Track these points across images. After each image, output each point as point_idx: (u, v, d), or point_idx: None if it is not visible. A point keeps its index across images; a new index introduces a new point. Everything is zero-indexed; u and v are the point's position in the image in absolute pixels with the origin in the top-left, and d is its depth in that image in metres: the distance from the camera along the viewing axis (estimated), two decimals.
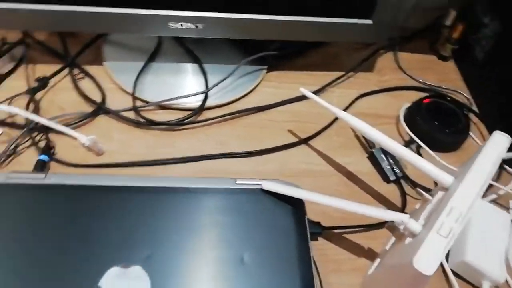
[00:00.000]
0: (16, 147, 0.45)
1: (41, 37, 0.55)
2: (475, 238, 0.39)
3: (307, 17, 0.48)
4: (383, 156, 0.49)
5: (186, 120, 0.50)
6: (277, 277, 0.34)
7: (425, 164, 0.37)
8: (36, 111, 0.48)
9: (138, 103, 0.51)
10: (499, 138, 0.35)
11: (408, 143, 0.51)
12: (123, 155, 0.47)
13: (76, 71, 0.53)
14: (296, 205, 0.39)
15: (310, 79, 0.57)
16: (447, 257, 0.41)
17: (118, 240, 0.34)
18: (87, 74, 0.53)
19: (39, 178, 0.37)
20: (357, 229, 0.43)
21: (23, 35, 0.54)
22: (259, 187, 0.39)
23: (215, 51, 0.57)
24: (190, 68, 0.55)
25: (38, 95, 0.50)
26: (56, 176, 0.38)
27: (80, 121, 0.48)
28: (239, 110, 0.52)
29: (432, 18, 0.64)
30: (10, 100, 0.49)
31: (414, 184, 0.47)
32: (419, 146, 0.50)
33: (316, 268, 0.38)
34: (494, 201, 0.46)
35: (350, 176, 0.48)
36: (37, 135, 0.46)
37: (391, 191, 0.47)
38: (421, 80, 0.59)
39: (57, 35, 0.56)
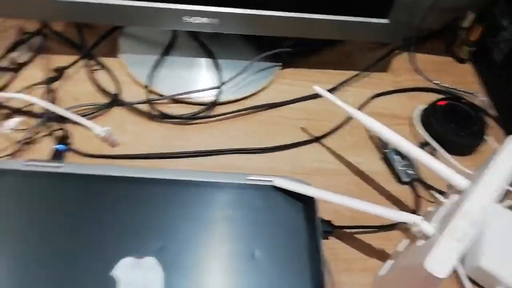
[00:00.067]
0: (33, 136, 0.46)
1: (58, 28, 0.56)
2: (491, 243, 0.39)
3: (323, 15, 0.48)
4: (396, 157, 0.48)
5: (199, 115, 0.50)
6: (288, 274, 0.34)
7: (439, 166, 0.37)
8: (53, 100, 0.49)
9: (152, 96, 0.51)
10: None
11: (422, 145, 0.51)
12: (136, 147, 0.47)
13: (92, 62, 0.53)
14: (307, 203, 0.38)
15: (324, 77, 0.57)
16: (461, 262, 0.41)
17: (131, 230, 0.35)
18: (102, 66, 0.53)
19: (56, 167, 0.38)
20: (369, 229, 0.43)
21: (42, 25, 0.55)
22: (270, 184, 0.39)
23: (230, 47, 0.57)
24: (204, 62, 0.55)
25: (55, 85, 0.51)
26: (73, 165, 0.38)
27: (95, 112, 0.49)
28: (252, 106, 0.52)
29: (449, 19, 0.63)
30: (28, 89, 0.49)
31: (427, 187, 0.47)
32: (433, 149, 0.50)
33: (327, 266, 0.38)
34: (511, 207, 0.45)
35: (362, 176, 0.48)
36: (54, 124, 0.47)
37: (403, 193, 0.47)
38: (436, 82, 0.59)
39: (74, 26, 0.56)
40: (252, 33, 0.49)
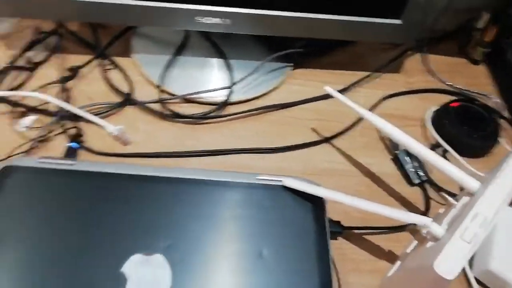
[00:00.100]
0: (47, 133, 0.47)
1: (74, 28, 0.57)
2: (502, 246, 0.38)
3: (335, 15, 0.48)
4: (407, 158, 0.48)
5: (210, 114, 0.51)
6: (295, 273, 0.34)
7: (451, 168, 0.37)
8: (67, 99, 0.50)
9: (164, 96, 0.52)
10: None
11: (434, 147, 0.50)
12: (148, 146, 0.47)
13: (105, 62, 0.54)
14: (317, 203, 0.38)
15: (335, 78, 0.57)
16: (471, 264, 0.40)
17: (141, 227, 0.35)
18: (116, 66, 0.54)
19: (69, 164, 0.39)
20: (378, 230, 0.43)
21: (57, 25, 0.56)
22: (280, 184, 0.39)
23: (241, 47, 0.57)
24: (216, 62, 0.55)
25: (69, 84, 0.52)
26: (85, 163, 0.39)
27: (108, 111, 0.50)
28: (263, 106, 0.52)
29: (463, 20, 0.62)
30: (43, 88, 0.50)
31: (438, 189, 0.47)
32: (445, 150, 0.49)
33: (335, 267, 0.38)
34: None
35: (373, 177, 0.48)
36: (68, 123, 0.48)
37: (414, 195, 0.47)
38: (449, 83, 0.58)
39: (89, 26, 0.57)
40: (263, 33, 0.49)
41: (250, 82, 0.54)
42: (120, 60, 0.54)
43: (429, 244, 0.32)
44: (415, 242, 0.39)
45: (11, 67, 0.50)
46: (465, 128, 0.50)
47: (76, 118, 0.48)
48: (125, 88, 0.52)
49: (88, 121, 0.47)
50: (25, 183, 0.37)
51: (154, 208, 0.37)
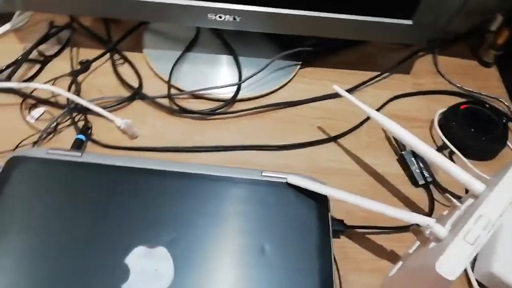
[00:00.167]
0: (56, 125, 0.48)
1: (86, 23, 0.58)
2: (505, 249, 0.38)
3: (345, 14, 0.48)
4: (413, 159, 0.48)
5: (218, 111, 0.51)
6: (297, 270, 0.35)
7: (456, 170, 0.36)
8: (77, 92, 0.51)
9: (173, 91, 0.52)
10: None
11: (440, 149, 0.50)
12: (155, 140, 0.48)
13: (116, 56, 0.55)
14: (320, 201, 0.39)
15: (343, 77, 0.57)
16: (472, 267, 0.40)
17: (145, 220, 0.36)
18: (126, 60, 0.55)
19: (76, 156, 0.39)
20: (380, 230, 0.43)
21: (70, 19, 0.57)
22: (284, 181, 0.39)
23: (251, 44, 0.57)
24: (225, 59, 0.56)
25: (80, 77, 0.52)
26: (92, 155, 0.40)
27: (117, 104, 0.50)
28: (270, 104, 0.52)
29: (476, 22, 0.61)
30: (54, 80, 0.51)
31: (443, 190, 0.46)
32: (452, 152, 0.49)
33: (336, 265, 0.38)
34: None
35: (377, 177, 0.48)
36: (77, 115, 0.49)
37: (418, 196, 0.47)
38: (459, 85, 0.58)
39: (101, 21, 0.58)
40: (274, 31, 0.50)
41: (258, 79, 0.54)
42: (131, 55, 0.55)
43: (432, 244, 0.32)
44: (417, 243, 0.39)
45: (24, 59, 0.51)
46: (473, 131, 0.49)
47: (85, 111, 0.49)
48: (134, 83, 0.52)
49: (97, 114, 0.48)
50: (33, 174, 0.38)
51: (159, 202, 0.37)
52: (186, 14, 0.48)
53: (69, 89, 0.51)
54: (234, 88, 0.52)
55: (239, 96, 0.52)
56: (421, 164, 0.47)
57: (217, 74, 0.54)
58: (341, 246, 0.41)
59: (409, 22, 0.49)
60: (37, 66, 0.53)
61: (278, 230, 0.37)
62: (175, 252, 0.34)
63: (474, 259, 0.40)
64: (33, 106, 0.49)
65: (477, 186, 0.35)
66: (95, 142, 0.47)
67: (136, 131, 0.48)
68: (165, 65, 0.54)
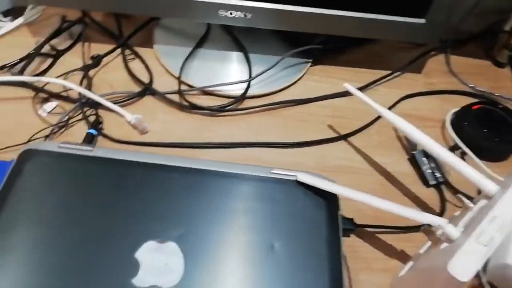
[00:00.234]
0: (68, 119, 0.48)
1: (98, 17, 0.58)
2: None
3: (357, 12, 0.48)
4: (424, 159, 0.47)
5: (227, 107, 0.51)
6: (306, 269, 0.34)
7: (469, 170, 0.36)
8: (89, 87, 0.51)
9: (183, 87, 0.52)
10: None
11: (452, 149, 0.49)
12: (165, 136, 0.48)
13: (127, 52, 0.55)
14: (330, 200, 0.38)
15: (354, 76, 0.56)
16: (484, 268, 0.39)
17: (155, 215, 0.36)
18: (137, 56, 0.55)
19: (87, 150, 0.39)
20: (391, 229, 0.42)
21: (82, 14, 0.57)
22: (294, 179, 0.39)
23: (261, 41, 0.57)
24: (235, 56, 0.56)
25: (91, 72, 0.53)
26: (103, 149, 0.40)
27: (128, 99, 0.50)
28: (280, 101, 0.52)
29: (489, 22, 0.61)
30: (66, 75, 0.52)
31: (455, 191, 0.46)
32: (464, 153, 0.48)
33: (346, 264, 0.38)
34: None
35: (388, 176, 0.48)
36: (88, 109, 0.49)
37: (429, 196, 0.46)
38: (472, 86, 0.57)
39: (112, 16, 0.58)
40: (284, 28, 0.49)
41: (268, 76, 0.54)
42: (141, 50, 0.55)
43: (444, 245, 0.32)
44: (428, 243, 0.38)
45: (36, 53, 0.52)
46: (485, 132, 0.49)
47: (96, 105, 0.49)
48: (145, 78, 0.52)
49: (107, 108, 0.48)
50: (45, 167, 0.38)
51: (169, 197, 0.37)
52: (197, 10, 0.48)
53: (80, 84, 0.51)
54: (244, 85, 0.52)
55: (249, 93, 0.52)
56: (432, 164, 0.47)
57: (227, 71, 0.54)
58: (350, 245, 0.41)
59: (422, 21, 0.48)
60: (49, 60, 0.53)
61: (287, 228, 0.37)
62: (185, 247, 0.34)
63: (486, 261, 0.40)
64: (45, 100, 0.50)
65: (490, 187, 0.34)
66: (105, 136, 0.47)
67: (146, 126, 0.48)
68: (175, 61, 0.54)
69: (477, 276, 0.40)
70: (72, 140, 0.41)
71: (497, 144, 0.49)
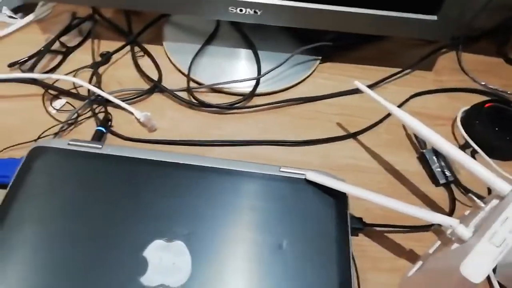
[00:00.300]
0: (77, 116, 0.48)
1: (108, 14, 0.58)
2: None
3: (368, 9, 0.47)
4: (434, 158, 0.47)
5: (236, 105, 0.51)
6: (315, 267, 0.34)
7: (481, 170, 0.36)
8: (98, 84, 0.51)
9: (192, 84, 0.52)
10: None
11: (463, 147, 0.49)
12: (173, 133, 0.48)
13: (136, 49, 0.55)
14: (339, 199, 0.38)
15: (363, 73, 0.56)
16: (494, 269, 0.39)
17: (163, 214, 0.36)
18: (146, 53, 0.55)
19: (96, 148, 0.40)
20: (400, 229, 0.42)
21: (92, 11, 0.57)
22: (303, 177, 0.39)
23: (271, 39, 0.57)
24: (244, 53, 0.55)
25: (100, 69, 0.53)
26: (112, 147, 0.40)
27: (137, 97, 0.50)
28: (289, 99, 0.52)
29: (502, 19, 0.60)
30: (76, 72, 0.52)
31: (465, 190, 0.45)
32: (474, 152, 0.48)
33: (355, 263, 0.38)
34: None
35: (397, 175, 0.47)
36: (97, 107, 0.49)
37: (439, 195, 0.46)
38: (483, 83, 0.56)
39: (122, 13, 0.58)
40: (295, 25, 0.49)
41: (277, 74, 0.54)
42: (151, 48, 0.55)
43: (454, 246, 0.32)
44: (438, 243, 0.38)
45: (46, 50, 0.52)
46: (497, 130, 0.48)
47: (105, 102, 0.49)
48: (154, 75, 0.52)
49: (117, 106, 0.48)
50: (54, 164, 0.38)
51: (178, 195, 0.37)
52: (207, 6, 0.48)
53: (90, 81, 0.51)
54: (253, 82, 0.52)
55: (258, 91, 0.52)
56: (442, 163, 0.46)
57: (236, 68, 0.54)
58: (359, 244, 0.41)
59: (434, 17, 0.48)
60: (59, 57, 0.53)
61: (296, 226, 0.36)
62: (192, 246, 0.34)
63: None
64: (55, 97, 0.50)
65: (502, 186, 0.34)
66: (114, 134, 0.47)
67: (155, 124, 0.48)
68: (184, 58, 0.54)
69: (487, 276, 0.39)
70: (81, 138, 0.41)
71: (508, 143, 0.48)
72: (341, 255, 0.35)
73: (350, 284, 0.34)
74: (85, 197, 0.36)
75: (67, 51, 0.54)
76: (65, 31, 0.55)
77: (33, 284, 0.32)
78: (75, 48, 0.54)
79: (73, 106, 0.49)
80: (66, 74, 0.51)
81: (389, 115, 0.52)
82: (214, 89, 0.52)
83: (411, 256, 0.41)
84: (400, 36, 0.50)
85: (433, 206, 0.45)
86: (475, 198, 0.38)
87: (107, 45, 0.55)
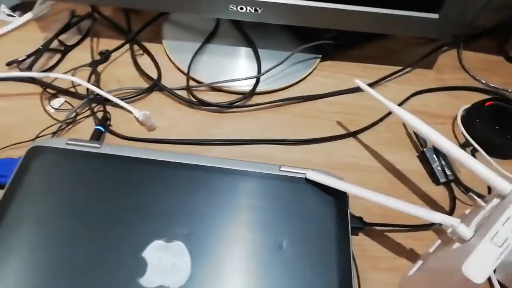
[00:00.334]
0: (76, 115, 0.48)
1: (107, 12, 0.58)
2: None
3: (369, 7, 0.47)
4: (435, 156, 0.47)
5: (236, 104, 0.51)
6: (315, 267, 0.34)
7: (481, 168, 0.35)
8: (97, 83, 0.51)
9: (192, 83, 0.52)
10: None
11: (463, 146, 0.49)
12: (173, 132, 0.48)
13: (136, 47, 0.55)
14: (339, 198, 0.38)
15: (363, 72, 0.56)
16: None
17: (162, 214, 0.36)
18: (146, 51, 0.55)
19: (95, 147, 0.39)
20: (400, 228, 0.42)
21: (91, 9, 0.57)
22: (303, 176, 0.39)
23: (271, 37, 0.56)
24: (244, 52, 0.55)
25: (99, 68, 0.53)
26: (111, 147, 0.40)
27: (136, 96, 0.50)
28: (289, 97, 0.52)
29: (503, 17, 0.60)
30: (74, 70, 0.51)
31: (466, 189, 0.45)
32: (475, 150, 0.48)
33: (355, 263, 0.38)
34: None
35: (397, 174, 0.47)
36: (96, 106, 0.49)
37: (439, 194, 0.46)
38: (484, 82, 0.56)
39: (121, 11, 0.58)
40: (297, 24, 0.49)
41: (277, 72, 0.53)
42: (150, 46, 0.55)
43: (455, 245, 0.31)
44: (438, 242, 0.38)
45: (45, 49, 0.52)
46: (497, 129, 0.48)
47: (104, 101, 0.49)
48: (153, 74, 0.52)
49: (115, 105, 0.48)
50: (52, 164, 0.38)
51: (177, 195, 0.37)
52: (207, 5, 0.47)
53: (89, 80, 0.51)
54: (253, 81, 0.52)
55: (258, 89, 0.52)
56: (442, 162, 0.46)
57: (236, 67, 0.54)
58: (359, 243, 0.41)
59: (435, 16, 0.47)
60: (58, 56, 0.53)
61: (296, 226, 0.36)
62: (192, 246, 0.34)
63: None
64: (53, 96, 0.50)
65: (503, 186, 0.34)
66: (113, 133, 0.47)
67: (154, 123, 0.48)
68: (184, 57, 0.53)
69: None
70: (79, 137, 0.41)
71: (509, 142, 0.48)
72: (341, 254, 0.35)
73: (351, 283, 0.34)
74: (84, 198, 0.36)
75: (65, 50, 0.53)
76: (64, 29, 0.54)
77: (31, 285, 0.32)
78: (73, 46, 0.54)
79: (71, 105, 0.49)
80: (65, 73, 0.51)
81: (389, 113, 0.51)
82: (214, 88, 0.52)
83: (411, 255, 0.41)
84: (402, 34, 0.50)
85: (433, 205, 0.45)
86: (476, 197, 0.37)
87: (106, 44, 0.55)
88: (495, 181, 0.34)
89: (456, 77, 0.57)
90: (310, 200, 0.38)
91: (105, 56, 0.53)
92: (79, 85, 0.49)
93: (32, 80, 0.50)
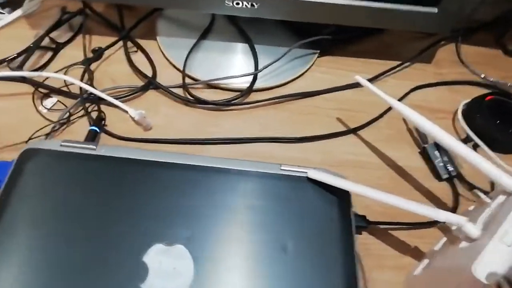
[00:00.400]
0: (69, 116, 0.47)
1: (99, 9, 0.56)
2: None
3: (367, 1, 0.46)
4: (436, 152, 0.46)
5: (233, 101, 0.50)
6: (320, 267, 0.34)
7: (486, 164, 0.35)
8: (90, 81, 0.49)
9: (188, 80, 0.51)
10: None
11: (464, 141, 0.48)
12: (169, 131, 0.47)
13: (129, 44, 0.53)
14: (342, 197, 0.37)
15: (362, 67, 0.55)
16: None
17: (162, 216, 0.35)
18: (140, 48, 0.53)
19: (90, 149, 0.38)
20: (404, 226, 0.41)
21: (83, 5, 0.55)
22: (305, 175, 0.38)
23: (268, 32, 0.55)
24: (241, 48, 0.54)
25: (92, 66, 0.51)
26: (107, 148, 0.38)
27: (131, 94, 0.49)
28: (287, 94, 0.51)
29: (502, 11, 0.59)
30: (67, 69, 0.50)
31: (468, 184, 0.45)
32: (476, 145, 0.47)
33: (360, 262, 0.37)
34: None
35: (398, 170, 0.47)
36: (90, 105, 0.48)
37: (441, 190, 0.45)
38: (483, 76, 0.56)
39: (114, 7, 0.56)
40: (294, 19, 0.48)
41: (275, 68, 0.52)
42: (144, 43, 0.54)
43: (463, 244, 0.31)
44: (443, 240, 0.37)
45: (36, 47, 0.50)
46: (498, 123, 0.48)
47: (98, 100, 0.47)
48: (148, 71, 0.51)
49: (110, 104, 0.47)
50: (46, 167, 0.37)
51: (176, 197, 0.36)
52: (201, 0, 0.46)
53: (82, 78, 0.49)
54: (250, 77, 0.51)
55: (255, 86, 0.51)
56: (444, 158, 0.46)
57: (232, 63, 0.53)
58: (363, 242, 0.40)
59: (434, 10, 0.47)
60: (49, 54, 0.51)
61: (299, 226, 0.36)
62: (193, 249, 0.33)
63: None
64: (45, 96, 0.48)
65: (509, 182, 0.33)
66: (108, 133, 0.46)
67: (150, 122, 0.47)
68: (179, 53, 0.52)
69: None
70: (74, 138, 0.40)
71: (510, 136, 0.48)
72: (346, 254, 0.34)
73: (356, 283, 0.33)
74: (80, 201, 0.35)
75: (57, 47, 0.52)
76: (55, 26, 0.53)
77: None
78: (65, 44, 0.53)
79: (64, 105, 0.48)
80: (57, 72, 0.49)
81: (389, 109, 0.51)
82: (210, 85, 0.51)
83: (416, 253, 0.40)
84: (400, 29, 0.49)
85: (436, 201, 0.44)
86: (480, 194, 0.37)
87: (99, 41, 0.53)
88: (500, 177, 0.34)
89: (455, 71, 0.56)
90: (312, 200, 0.37)
91: (98, 53, 0.52)
92: (72, 84, 0.47)
93: (23, 80, 0.48)
